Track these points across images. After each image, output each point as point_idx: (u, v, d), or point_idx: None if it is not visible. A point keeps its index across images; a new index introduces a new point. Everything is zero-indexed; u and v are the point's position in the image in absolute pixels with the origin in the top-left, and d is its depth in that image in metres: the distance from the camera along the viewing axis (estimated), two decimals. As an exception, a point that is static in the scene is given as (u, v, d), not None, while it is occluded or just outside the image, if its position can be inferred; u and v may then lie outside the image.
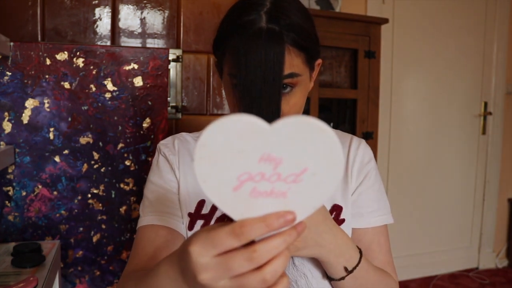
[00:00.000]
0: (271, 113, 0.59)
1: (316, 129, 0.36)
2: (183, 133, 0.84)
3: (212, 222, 0.74)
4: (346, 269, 0.64)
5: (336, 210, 0.75)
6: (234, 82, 0.64)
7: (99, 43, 1.33)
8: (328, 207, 0.75)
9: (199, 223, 0.75)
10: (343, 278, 0.65)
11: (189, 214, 0.75)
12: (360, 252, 0.67)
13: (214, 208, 0.75)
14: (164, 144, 0.81)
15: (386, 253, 0.77)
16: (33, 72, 1.09)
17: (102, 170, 1.16)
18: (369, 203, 0.77)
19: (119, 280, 0.71)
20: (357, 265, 0.65)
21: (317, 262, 0.71)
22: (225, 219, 0.74)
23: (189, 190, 0.77)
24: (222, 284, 0.37)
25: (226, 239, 0.36)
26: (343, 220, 0.75)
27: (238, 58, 0.61)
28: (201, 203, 0.75)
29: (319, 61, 0.72)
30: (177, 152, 0.79)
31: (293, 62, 0.63)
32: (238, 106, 0.63)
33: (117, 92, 1.15)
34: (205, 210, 0.75)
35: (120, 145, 1.17)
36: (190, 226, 0.75)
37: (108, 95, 1.15)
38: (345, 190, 0.76)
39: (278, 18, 0.61)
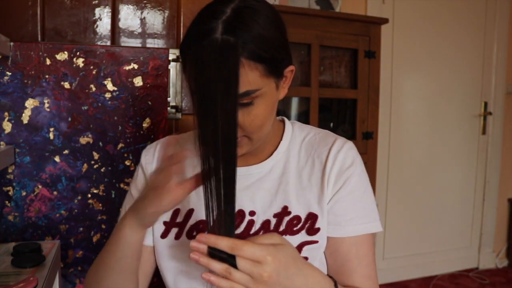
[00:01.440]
0: (227, 128, 0.56)
1: None
2: (169, 136, 0.86)
3: (186, 229, 0.75)
4: None
5: (312, 218, 0.71)
6: (192, 96, 0.63)
7: (99, 43, 1.33)
8: (304, 215, 0.71)
9: (174, 231, 0.75)
10: None
11: (164, 223, 0.76)
12: (335, 282, 0.63)
13: (187, 217, 0.75)
14: (146, 150, 0.83)
15: (368, 265, 0.71)
16: (33, 72, 1.10)
17: (102, 170, 1.16)
18: (347, 210, 0.71)
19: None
20: None
21: None
22: (199, 226, 0.74)
23: None
24: None
25: None
26: (318, 229, 0.71)
27: (192, 72, 0.59)
28: (176, 211, 0.76)
29: (291, 67, 0.68)
30: (156, 158, 0.80)
31: (247, 78, 0.60)
32: (198, 121, 0.61)
33: (117, 92, 1.15)
34: (180, 218, 0.75)
35: (120, 145, 1.17)
36: (164, 234, 0.76)
37: (108, 95, 1.15)
38: (321, 198, 0.72)
39: (236, 28, 0.58)
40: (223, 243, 0.52)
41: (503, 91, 2.85)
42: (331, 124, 2.10)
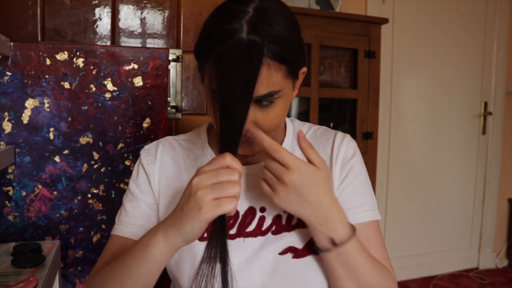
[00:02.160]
0: (235, 126, 0.58)
1: None
2: (168, 137, 0.83)
3: None
4: (332, 241, 0.63)
5: None
6: (213, 95, 0.63)
7: (99, 43, 1.33)
8: None
9: None
10: (328, 250, 0.64)
11: None
12: (353, 229, 0.65)
13: None
14: (147, 151, 0.80)
15: (378, 247, 0.74)
16: (33, 72, 1.10)
17: (102, 170, 1.16)
18: (353, 198, 0.74)
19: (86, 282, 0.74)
20: (346, 241, 0.64)
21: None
22: (209, 227, 0.73)
23: (171, 197, 0.76)
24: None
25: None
26: None
27: (216, 72, 0.59)
28: None
29: (304, 69, 0.70)
30: (158, 159, 0.78)
31: (272, 79, 0.60)
32: (217, 117, 0.62)
33: (117, 92, 1.15)
34: None
35: (120, 145, 1.17)
36: None
37: (108, 95, 1.15)
38: None
39: (260, 28, 0.58)
40: (267, 141, 0.61)
41: (503, 91, 2.85)
42: (331, 124, 2.10)
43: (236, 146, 0.59)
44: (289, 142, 0.78)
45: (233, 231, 0.73)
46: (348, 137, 0.78)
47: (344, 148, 0.76)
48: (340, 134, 0.79)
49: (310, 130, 0.81)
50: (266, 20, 0.59)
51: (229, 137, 0.58)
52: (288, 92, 0.66)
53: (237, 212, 0.73)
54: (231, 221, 0.73)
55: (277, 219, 0.73)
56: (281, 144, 0.78)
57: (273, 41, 0.59)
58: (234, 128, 0.58)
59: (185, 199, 0.57)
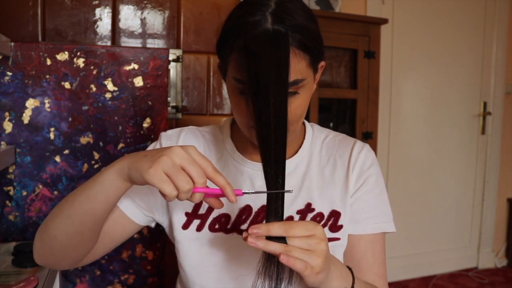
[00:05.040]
0: (278, 117, 0.57)
1: None
2: (192, 127, 0.82)
3: (208, 222, 0.74)
4: None
5: (335, 215, 0.73)
6: (239, 86, 0.63)
7: (99, 43, 1.33)
8: (327, 212, 0.74)
9: (195, 222, 0.75)
10: None
11: (186, 214, 0.75)
12: (349, 268, 0.64)
13: (210, 209, 0.75)
14: (168, 136, 0.79)
15: (381, 264, 0.75)
16: (33, 72, 1.10)
17: (103, 170, 1.16)
18: (365, 209, 0.74)
19: None
20: (353, 282, 0.62)
21: None
22: (222, 219, 0.74)
23: None
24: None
25: None
26: (341, 226, 0.73)
27: (243, 62, 0.60)
28: (199, 203, 0.75)
29: (322, 63, 0.71)
30: None
31: (297, 67, 0.62)
32: (246, 110, 0.62)
33: (117, 92, 1.15)
34: (202, 210, 0.75)
35: (121, 145, 1.17)
36: (186, 226, 0.75)
37: (108, 95, 1.15)
38: (344, 196, 0.74)
39: (284, 18, 0.60)
40: (275, 229, 0.54)
41: (502, 91, 2.86)
42: (331, 124, 2.11)
43: (285, 134, 0.57)
44: (308, 144, 0.78)
45: (244, 227, 0.73)
46: (367, 147, 0.78)
47: (363, 157, 0.76)
48: (359, 143, 0.79)
49: (329, 135, 0.81)
50: (288, 12, 0.61)
51: (270, 129, 0.56)
52: (310, 82, 0.67)
53: (250, 209, 0.74)
54: (244, 217, 0.74)
55: (289, 220, 0.72)
56: (299, 147, 0.78)
57: (296, 31, 0.61)
58: (276, 116, 0.57)
59: (160, 153, 0.54)
